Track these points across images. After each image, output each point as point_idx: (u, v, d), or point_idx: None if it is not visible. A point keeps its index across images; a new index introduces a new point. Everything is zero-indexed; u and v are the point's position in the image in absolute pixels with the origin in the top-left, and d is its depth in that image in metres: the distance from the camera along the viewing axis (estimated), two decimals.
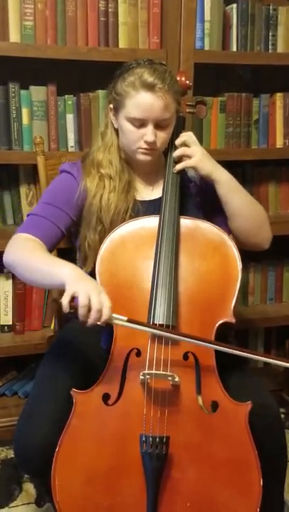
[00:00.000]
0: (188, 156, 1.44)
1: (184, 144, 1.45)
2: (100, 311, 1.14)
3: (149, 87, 1.35)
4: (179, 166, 1.44)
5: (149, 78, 1.35)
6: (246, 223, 1.48)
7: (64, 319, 1.67)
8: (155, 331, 1.21)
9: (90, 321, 1.15)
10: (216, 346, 1.22)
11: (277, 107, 2.14)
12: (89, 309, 1.14)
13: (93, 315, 1.15)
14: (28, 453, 1.23)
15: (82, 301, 1.14)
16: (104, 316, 1.15)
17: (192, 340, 1.21)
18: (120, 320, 1.19)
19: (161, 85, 1.35)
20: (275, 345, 2.41)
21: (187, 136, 1.46)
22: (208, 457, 1.19)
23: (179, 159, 1.45)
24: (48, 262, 1.28)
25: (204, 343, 1.21)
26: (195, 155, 1.43)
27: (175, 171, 1.44)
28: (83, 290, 1.15)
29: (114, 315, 1.18)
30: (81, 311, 1.14)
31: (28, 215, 1.45)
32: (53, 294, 1.88)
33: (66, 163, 1.54)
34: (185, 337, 1.21)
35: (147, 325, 1.22)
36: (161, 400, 1.20)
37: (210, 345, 1.22)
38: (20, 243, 1.36)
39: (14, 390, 2.10)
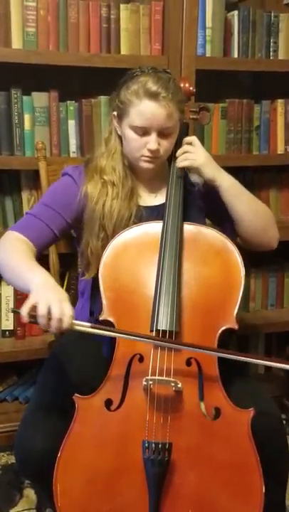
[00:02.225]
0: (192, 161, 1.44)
1: (186, 152, 1.45)
2: (60, 321, 1.14)
3: (153, 96, 1.35)
4: (183, 163, 1.44)
5: (152, 87, 1.35)
6: (252, 226, 1.49)
7: None
8: (122, 335, 1.22)
9: (52, 329, 1.16)
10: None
11: (278, 114, 2.15)
12: (50, 318, 1.14)
13: (53, 324, 1.14)
14: (29, 458, 1.23)
15: (40, 311, 1.13)
16: (65, 325, 1.15)
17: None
18: (84, 327, 1.19)
19: (165, 94, 1.35)
20: (275, 351, 2.41)
21: (190, 142, 1.46)
22: (211, 463, 1.19)
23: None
24: (25, 266, 1.28)
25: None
26: (198, 159, 1.44)
27: (179, 166, 1.44)
28: (43, 300, 1.14)
29: (77, 322, 1.18)
30: (40, 320, 1.14)
31: (26, 213, 1.48)
32: None
33: (69, 166, 1.55)
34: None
35: (114, 330, 1.23)
36: (163, 406, 1.20)
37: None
38: (8, 243, 1.38)
39: (15, 396, 2.09)
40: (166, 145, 1.41)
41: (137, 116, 1.37)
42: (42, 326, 1.16)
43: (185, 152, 1.46)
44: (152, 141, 1.38)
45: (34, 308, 1.14)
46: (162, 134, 1.39)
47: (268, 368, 2.37)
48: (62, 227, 1.45)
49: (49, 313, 1.13)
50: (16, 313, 1.13)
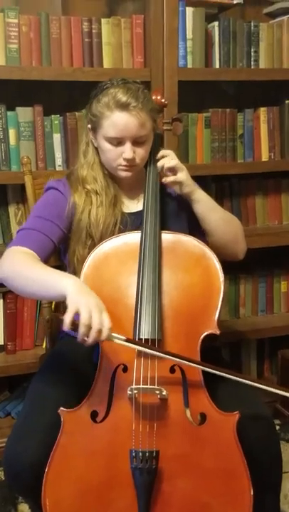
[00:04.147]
0: (175, 171, 1.46)
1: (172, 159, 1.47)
2: (99, 331, 1.14)
3: (123, 107, 1.37)
4: (169, 179, 1.46)
5: (122, 98, 1.37)
6: (222, 238, 1.51)
7: (55, 337, 1.68)
8: (153, 351, 1.21)
9: (89, 340, 1.15)
10: (203, 367, 1.23)
11: (261, 122, 2.17)
12: (90, 328, 1.13)
13: (92, 334, 1.14)
14: (19, 471, 1.22)
15: (83, 320, 1.12)
16: (104, 337, 1.15)
17: (185, 362, 1.21)
18: (119, 339, 1.19)
19: (135, 104, 1.37)
20: (268, 357, 2.41)
21: (170, 153, 1.48)
22: (199, 469, 1.19)
23: (169, 169, 1.46)
24: (47, 272, 1.27)
25: (195, 365, 1.22)
26: (183, 170, 1.46)
27: (165, 182, 1.46)
28: (85, 307, 1.13)
29: (114, 334, 1.17)
30: (82, 330, 1.13)
31: (18, 231, 1.45)
32: (44, 313, 1.88)
33: (51, 180, 1.55)
34: (182, 359, 1.22)
35: (146, 346, 1.22)
36: (149, 414, 1.20)
37: (199, 366, 1.23)
38: (14, 256, 1.34)
39: (7, 411, 2.09)
40: (141, 153, 1.43)
41: (110, 128, 1.39)
42: (80, 335, 1.14)
43: (169, 158, 1.47)
44: (127, 150, 1.40)
45: (76, 315, 1.13)
46: (136, 142, 1.41)
47: (260, 374, 2.37)
48: (59, 236, 1.45)
49: (90, 322, 1.13)
50: (58, 319, 1.11)
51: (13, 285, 1.32)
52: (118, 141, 1.41)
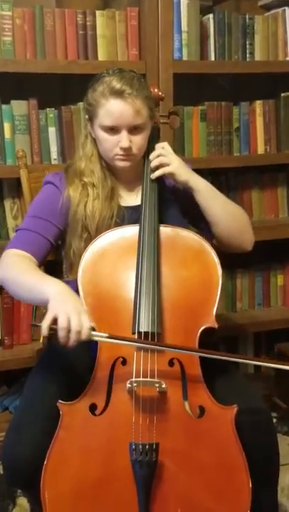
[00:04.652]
0: (166, 164, 1.45)
1: (160, 156, 1.46)
2: (79, 333, 1.16)
3: (118, 94, 1.37)
4: (157, 173, 1.45)
5: (116, 85, 1.37)
6: (227, 228, 1.49)
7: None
8: (137, 344, 1.23)
9: (70, 342, 1.17)
10: (200, 354, 1.24)
11: (257, 115, 2.17)
12: (69, 330, 1.16)
13: (72, 336, 1.16)
14: (17, 465, 1.22)
15: (61, 324, 1.15)
16: (83, 337, 1.17)
17: (177, 350, 1.23)
18: (101, 337, 1.20)
19: (130, 91, 1.37)
20: (265, 350, 2.42)
21: (162, 146, 1.47)
22: (197, 462, 1.19)
23: (157, 167, 1.45)
24: (35, 279, 1.30)
25: (191, 352, 1.23)
26: (172, 163, 1.45)
27: (153, 178, 1.45)
28: (63, 312, 1.16)
29: (95, 333, 1.20)
30: (61, 334, 1.16)
31: (16, 231, 1.48)
32: (41, 308, 1.87)
33: (49, 174, 1.55)
34: (169, 347, 1.23)
35: (130, 339, 1.24)
36: (149, 407, 1.20)
37: (195, 353, 1.24)
38: (10, 259, 1.38)
39: (5, 406, 2.09)
40: (138, 142, 1.42)
41: (105, 116, 1.39)
42: (61, 339, 1.17)
43: (159, 156, 1.46)
44: (123, 139, 1.39)
45: (54, 321, 1.15)
46: (133, 131, 1.40)
47: (257, 368, 2.38)
48: (55, 234, 1.46)
49: (68, 325, 1.15)
50: (36, 326, 1.15)
51: (9, 290, 1.37)
52: (114, 130, 1.40)
